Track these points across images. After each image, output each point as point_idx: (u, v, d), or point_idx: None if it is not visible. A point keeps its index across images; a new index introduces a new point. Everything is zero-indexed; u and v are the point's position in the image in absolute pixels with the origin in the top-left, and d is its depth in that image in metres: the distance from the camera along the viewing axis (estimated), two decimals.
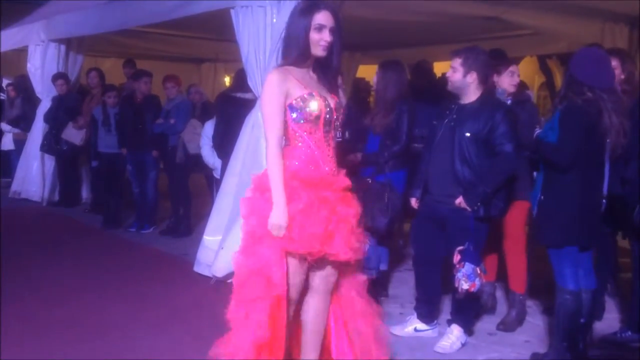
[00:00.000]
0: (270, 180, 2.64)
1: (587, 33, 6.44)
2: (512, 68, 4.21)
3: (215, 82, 11.48)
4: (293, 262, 2.66)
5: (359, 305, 2.90)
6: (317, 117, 2.68)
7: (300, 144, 2.72)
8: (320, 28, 2.67)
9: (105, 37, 7.94)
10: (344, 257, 2.71)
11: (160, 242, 6.40)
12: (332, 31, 2.69)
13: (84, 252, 6.01)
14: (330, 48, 2.71)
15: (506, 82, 4.11)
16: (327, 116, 2.71)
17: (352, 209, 2.76)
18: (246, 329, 2.63)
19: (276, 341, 2.64)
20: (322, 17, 2.68)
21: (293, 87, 2.68)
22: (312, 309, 2.84)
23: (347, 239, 2.70)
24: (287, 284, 2.66)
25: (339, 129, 2.84)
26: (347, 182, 2.78)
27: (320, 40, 2.67)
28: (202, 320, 4.14)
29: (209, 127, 6.04)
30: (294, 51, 2.73)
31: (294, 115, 2.68)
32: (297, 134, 2.71)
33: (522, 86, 4.27)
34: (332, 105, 2.75)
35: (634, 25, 6.71)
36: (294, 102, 2.67)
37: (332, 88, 2.81)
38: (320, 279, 2.81)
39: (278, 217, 2.59)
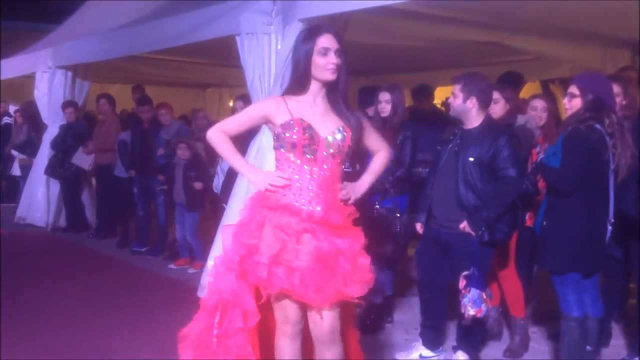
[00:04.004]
0: (224, 158, 2.89)
1: (589, 58, 6.49)
2: (533, 104, 4.28)
3: (220, 107, 11.56)
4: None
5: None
6: (294, 145, 2.65)
7: (284, 170, 2.70)
8: (325, 52, 2.63)
9: (111, 63, 8.01)
10: (311, 300, 2.56)
11: (165, 267, 6.39)
12: (338, 53, 2.66)
13: (87, 277, 6.00)
14: (338, 70, 2.66)
15: (532, 115, 4.24)
16: (306, 143, 2.64)
17: (328, 243, 2.58)
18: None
19: None
20: (326, 41, 2.64)
21: (280, 114, 2.69)
22: None
23: (319, 277, 2.54)
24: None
25: (336, 158, 2.69)
26: (331, 217, 2.63)
27: (327, 64, 2.63)
28: None
29: (225, 163, 5.97)
30: (293, 78, 2.74)
31: (276, 142, 2.72)
32: (280, 161, 2.72)
33: (516, 110, 4.31)
34: (324, 134, 2.65)
35: (636, 51, 6.75)
36: (276, 129, 2.70)
37: (340, 114, 2.72)
38: (313, 324, 2.66)
39: (252, 179, 2.77)
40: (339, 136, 2.68)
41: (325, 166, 2.68)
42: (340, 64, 2.66)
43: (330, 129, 2.68)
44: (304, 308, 2.65)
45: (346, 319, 2.81)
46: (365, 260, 2.67)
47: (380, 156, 2.93)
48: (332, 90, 2.72)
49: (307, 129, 2.65)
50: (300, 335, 2.73)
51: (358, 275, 2.61)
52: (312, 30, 2.74)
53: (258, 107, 2.88)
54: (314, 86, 2.71)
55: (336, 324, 2.65)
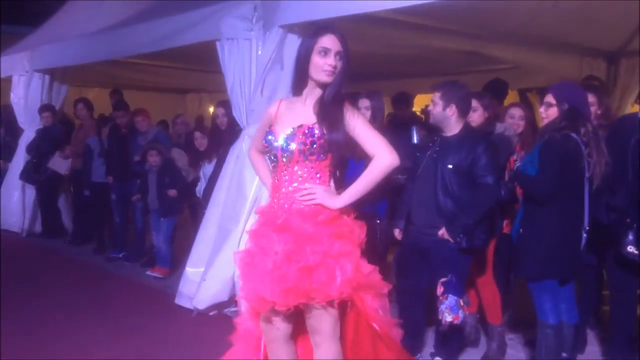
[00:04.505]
0: (257, 176, 3.04)
1: (566, 68, 6.58)
2: (511, 112, 4.33)
3: (200, 112, 11.51)
4: None
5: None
6: (264, 153, 2.75)
7: None
8: (324, 52, 2.54)
9: (89, 67, 7.94)
10: (251, 301, 2.62)
11: (141, 274, 6.32)
12: (339, 56, 2.56)
13: (63, 283, 5.92)
14: (335, 74, 2.56)
15: (510, 123, 4.27)
16: (267, 150, 2.68)
17: (274, 249, 2.56)
18: None
19: None
20: (328, 41, 2.55)
21: (269, 121, 2.74)
22: None
23: (249, 282, 2.60)
24: None
25: (296, 160, 2.59)
26: (290, 223, 2.58)
27: (324, 65, 2.54)
28: (183, 354, 4.09)
29: (208, 168, 5.91)
30: (292, 75, 2.68)
31: None
32: None
33: (495, 118, 4.36)
34: (281, 139, 2.60)
35: (611, 61, 6.88)
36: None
37: (318, 113, 2.60)
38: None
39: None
40: (290, 137, 2.58)
41: (295, 169, 2.61)
42: (339, 67, 2.57)
43: (288, 131, 2.61)
44: (270, 315, 2.65)
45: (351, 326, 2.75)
46: (334, 267, 2.52)
47: (374, 162, 2.64)
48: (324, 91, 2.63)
49: (268, 135, 2.67)
50: (279, 341, 2.71)
51: (306, 283, 2.48)
52: (317, 28, 2.63)
53: (264, 117, 2.86)
54: (309, 86, 2.64)
55: (305, 326, 2.67)
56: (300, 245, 2.53)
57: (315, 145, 2.58)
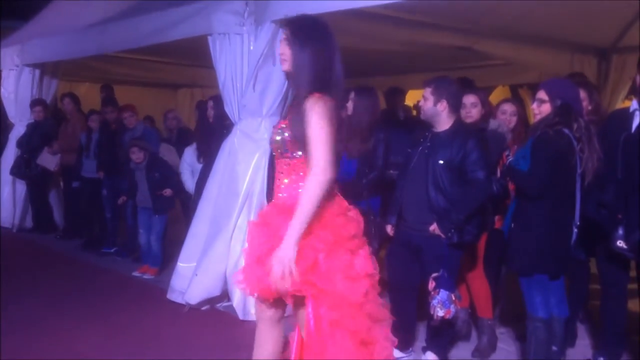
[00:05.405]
0: None
1: (557, 64, 6.63)
2: (503, 107, 4.34)
3: (191, 108, 11.44)
4: None
5: None
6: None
7: None
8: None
9: (80, 62, 7.89)
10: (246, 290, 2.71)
11: (133, 269, 6.30)
12: (286, 42, 2.53)
13: (54, 279, 5.90)
14: (286, 61, 2.54)
15: (502, 119, 4.27)
16: (270, 145, 2.78)
17: (255, 240, 2.65)
18: None
19: None
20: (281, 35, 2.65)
21: None
22: None
23: (251, 270, 2.64)
24: None
25: (282, 157, 2.64)
26: (265, 215, 2.71)
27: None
28: (175, 348, 4.09)
29: (188, 154, 6.01)
30: None
31: None
32: None
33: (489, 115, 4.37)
34: (271, 134, 2.72)
35: (602, 57, 6.92)
36: None
37: (287, 114, 2.65)
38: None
39: None
40: (278, 137, 2.60)
41: (282, 165, 2.66)
42: (288, 53, 2.52)
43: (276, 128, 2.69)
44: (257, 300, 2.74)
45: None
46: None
47: (306, 180, 2.46)
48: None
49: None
50: (266, 323, 2.76)
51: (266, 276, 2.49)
52: None
53: None
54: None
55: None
56: (270, 238, 2.55)
57: (285, 143, 2.58)
